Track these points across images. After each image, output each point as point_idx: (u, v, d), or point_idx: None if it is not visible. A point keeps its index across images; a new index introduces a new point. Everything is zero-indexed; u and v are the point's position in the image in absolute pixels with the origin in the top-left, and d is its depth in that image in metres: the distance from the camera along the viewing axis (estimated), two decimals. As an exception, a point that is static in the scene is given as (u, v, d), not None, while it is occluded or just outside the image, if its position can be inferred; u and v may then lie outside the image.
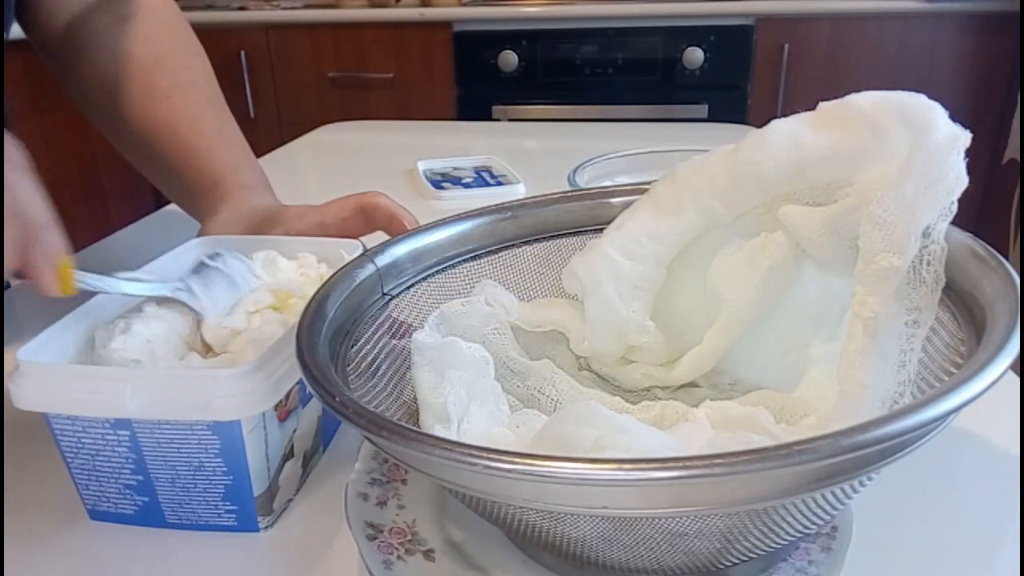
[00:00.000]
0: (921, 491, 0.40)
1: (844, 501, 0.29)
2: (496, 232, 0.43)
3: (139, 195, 2.42)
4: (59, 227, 0.38)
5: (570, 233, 0.44)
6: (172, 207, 0.93)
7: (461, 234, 0.42)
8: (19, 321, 0.61)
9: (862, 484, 0.28)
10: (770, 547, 0.29)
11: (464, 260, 0.43)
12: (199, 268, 0.43)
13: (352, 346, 0.35)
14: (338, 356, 0.34)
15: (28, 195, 0.37)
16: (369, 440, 0.28)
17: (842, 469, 0.24)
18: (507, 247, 0.44)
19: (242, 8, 2.34)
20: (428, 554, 0.35)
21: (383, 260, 0.39)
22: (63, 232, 0.38)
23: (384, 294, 0.39)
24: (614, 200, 0.44)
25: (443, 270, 0.42)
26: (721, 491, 0.24)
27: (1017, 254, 1.76)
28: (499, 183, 0.90)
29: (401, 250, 0.40)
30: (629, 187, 0.44)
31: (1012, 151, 1.87)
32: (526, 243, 0.44)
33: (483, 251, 0.43)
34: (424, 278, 0.41)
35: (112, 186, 2.30)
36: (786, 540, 0.29)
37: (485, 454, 0.24)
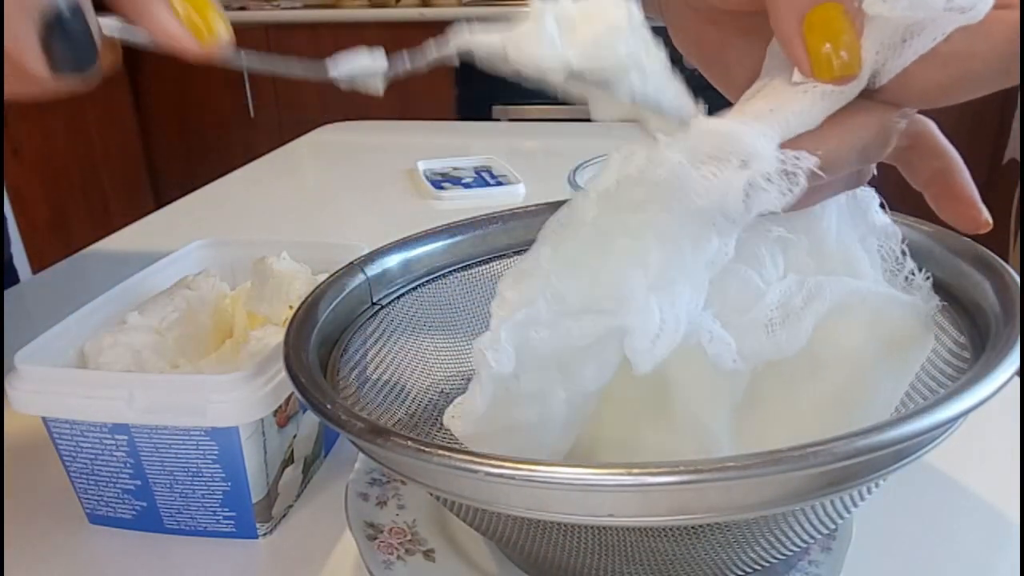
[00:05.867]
0: (921, 491, 0.40)
1: (851, 508, 0.29)
2: (487, 242, 0.43)
3: (139, 195, 2.42)
4: None
5: None
6: (172, 207, 0.94)
7: (451, 244, 0.42)
8: (18, 323, 0.60)
9: (876, 486, 0.27)
10: (776, 558, 0.29)
11: (455, 270, 0.42)
12: None
13: (341, 355, 0.35)
14: (327, 365, 0.34)
15: None
16: (359, 448, 0.28)
17: (855, 472, 0.23)
18: (498, 257, 0.43)
19: (242, 8, 2.34)
20: (428, 554, 0.35)
21: (373, 270, 0.39)
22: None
23: (374, 303, 0.39)
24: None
25: (433, 280, 0.42)
26: (732, 496, 0.23)
27: (1017, 255, 1.75)
28: (499, 183, 0.90)
29: (391, 260, 0.40)
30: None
31: (1012, 151, 1.87)
32: (517, 253, 0.44)
33: (474, 261, 0.43)
34: (414, 288, 0.41)
35: (112, 186, 2.30)
36: (792, 550, 0.29)
37: (484, 461, 0.23)
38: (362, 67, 0.29)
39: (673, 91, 0.31)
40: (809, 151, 0.25)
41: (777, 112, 0.25)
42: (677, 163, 0.25)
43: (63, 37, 0.22)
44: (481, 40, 0.28)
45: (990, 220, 0.31)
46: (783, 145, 0.25)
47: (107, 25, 0.24)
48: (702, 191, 0.25)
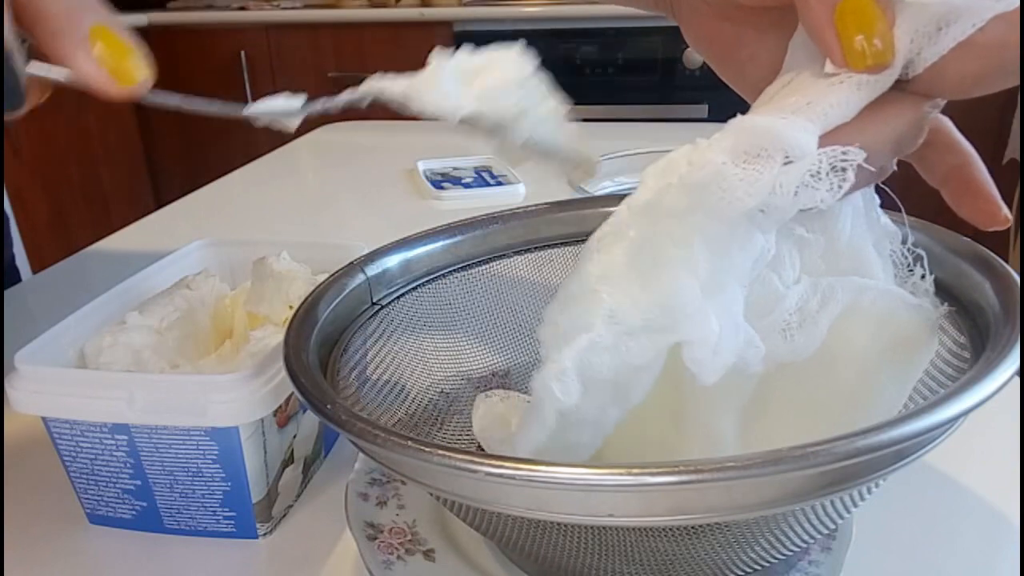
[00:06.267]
0: (921, 491, 0.40)
1: (851, 508, 0.29)
2: (487, 242, 0.43)
3: (139, 195, 2.42)
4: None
5: (562, 243, 0.44)
6: (172, 207, 0.94)
7: (451, 244, 0.42)
8: (18, 323, 0.60)
9: (876, 486, 0.27)
10: (776, 558, 0.29)
11: (455, 270, 0.42)
12: None
13: (341, 355, 0.35)
14: (327, 365, 0.34)
15: None
16: (359, 448, 0.28)
17: (855, 472, 0.23)
18: (498, 257, 0.43)
19: (242, 8, 2.33)
20: (428, 554, 0.35)
21: (373, 270, 0.39)
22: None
23: (374, 303, 0.39)
24: (606, 209, 0.44)
25: (433, 280, 0.42)
26: (732, 496, 0.23)
27: (1017, 255, 1.75)
28: (499, 183, 0.90)
29: (391, 260, 0.40)
30: (622, 195, 0.44)
31: (1012, 151, 1.87)
32: (518, 253, 0.44)
33: (474, 261, 0.43)
34: (414, 288, 0.41)
35: (112, 186, 2.30)
36: (792, 550, 0.29)
37: (484, 461, 0.23)
38: (277, 108, 0.31)
39: (566, 136, 0.33)
40: (846, 143, 0.24)
41: (815, 105, 0.25)
42: (720, 163, 0.25)
43: None
44: (387, 86, 0.31)
45: (1009, 216, 0.31)
46: (821, 137, 0.25)
47: (34, 66, 0.26)
48: (750, 191, 0.25)
